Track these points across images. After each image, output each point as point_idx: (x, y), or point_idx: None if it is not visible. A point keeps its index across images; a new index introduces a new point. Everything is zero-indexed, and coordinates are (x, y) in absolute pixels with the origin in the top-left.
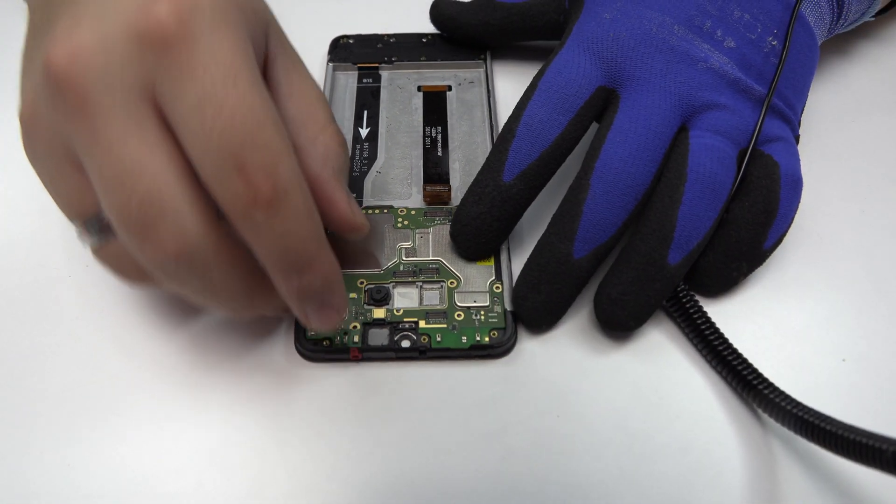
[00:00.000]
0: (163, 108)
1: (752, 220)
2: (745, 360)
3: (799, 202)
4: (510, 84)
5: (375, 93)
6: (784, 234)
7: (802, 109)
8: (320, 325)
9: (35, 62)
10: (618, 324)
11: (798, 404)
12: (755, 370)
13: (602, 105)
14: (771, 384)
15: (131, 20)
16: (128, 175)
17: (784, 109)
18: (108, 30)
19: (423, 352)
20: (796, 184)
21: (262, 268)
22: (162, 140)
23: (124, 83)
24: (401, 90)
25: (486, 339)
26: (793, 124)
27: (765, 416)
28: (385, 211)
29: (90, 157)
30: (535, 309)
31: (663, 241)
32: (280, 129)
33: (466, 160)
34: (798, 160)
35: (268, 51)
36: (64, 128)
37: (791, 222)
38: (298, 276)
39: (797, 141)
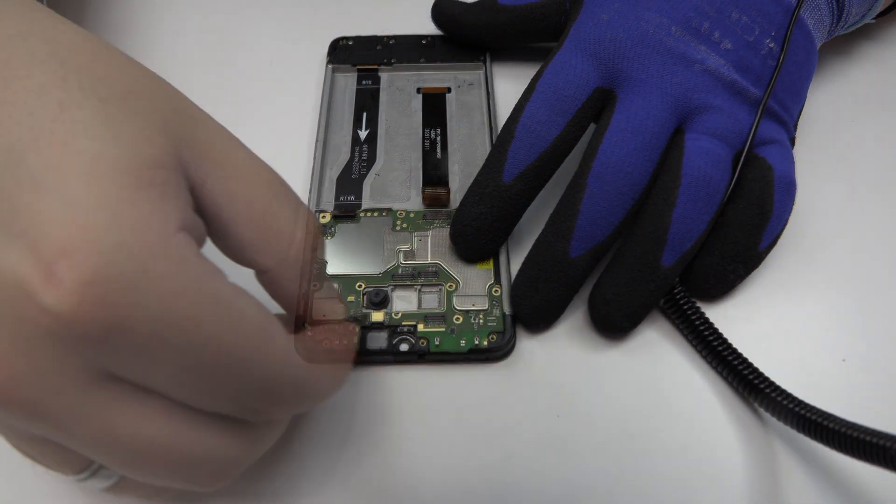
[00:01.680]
0: (126, 376)
1: (746, 223)
2: (744, 360)
3: (793, 204)
4: (510, 86)
5: (375, 94)
6: (779, 236)
7: (799, 112)
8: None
9: None
10: (612, 325)
11: (800, 402)
12: (755, 369)
13: (600, 106)
14: (772, 383)
15: (32, 315)
16: (132, 460)
17: (780, 112)
18: (7, 330)
19: (422, 355)
20: (790, 186)
21: None
22: (137, 398)
23: (71, 381)
24: (400, 92)
25: (485, 342)
26: (788, 127)
27: (765, 415)
28: (384, 213)
29: (76, 448)
30: (533, 308)
31: (657, 242)
32: (268, 336)
33: (466, 162)
34: (792, 163)
35: (192, 177)
36: (20, 427)
37: (785, 224)
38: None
39: (793, 143)
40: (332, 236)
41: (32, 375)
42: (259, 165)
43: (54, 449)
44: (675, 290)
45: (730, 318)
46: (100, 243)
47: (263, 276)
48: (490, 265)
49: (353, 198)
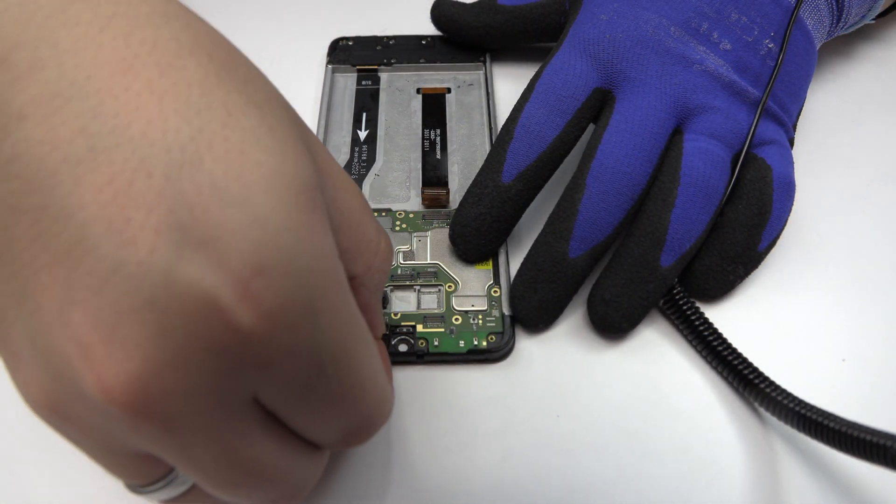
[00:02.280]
0: (264, 401)
1: (745, 223)
2: (744, 359)
3: (792, 205)
4: (510, 86)
5: (374, 95)
6: (778, 237)
7: (799, 112)
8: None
9: (42, 350)
10: (611, 325)
11: (800, 402)
12: (755, 368)
13: (598, 106)
14: (772, 382)
15: (208, 329)
16: (244, 484)
17: (779, 112)
18: (175, 342)
19: (421, 356)
20: (789, 187)
21: None
22: (266, 428)
23: (217, 401)
24: (400, 92)
25: (484, 343)
26: (787, 127)
27: (765, 414)
28: (383, 214)
29: (188, 471)
30: (532, 308)
31: (656, 243)
32: (373, 369)
33: (465, 163)
34: (791, 163)
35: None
36: (132, 440)
37: (784, 224)
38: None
39: (792, 144)
40: None
41: (186, 392)
42: (347, 175)
43: (142, 461)
44: (675, 291)
45: (729, 318)
46: (293, 266)
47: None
48: (489, 266)
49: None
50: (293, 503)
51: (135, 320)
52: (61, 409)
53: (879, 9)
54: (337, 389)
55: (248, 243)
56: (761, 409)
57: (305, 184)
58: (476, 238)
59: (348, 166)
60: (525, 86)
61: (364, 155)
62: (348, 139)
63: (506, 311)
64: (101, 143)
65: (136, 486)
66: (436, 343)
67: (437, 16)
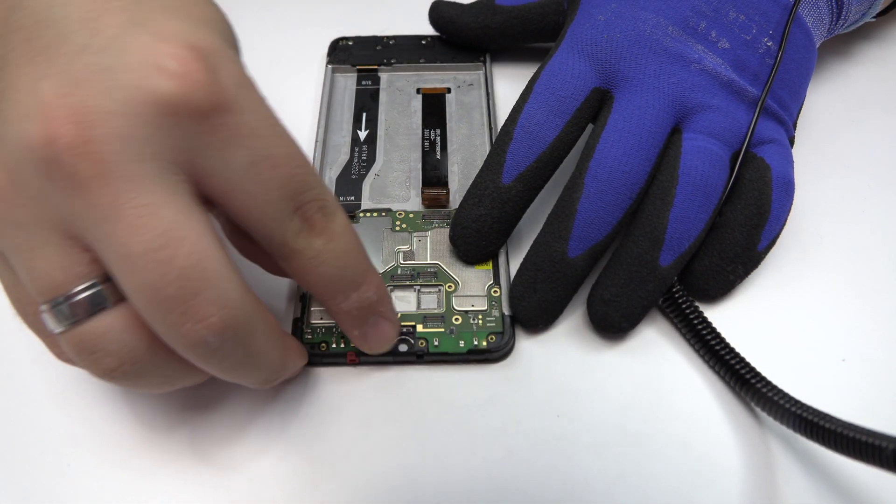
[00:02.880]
0: (203, 175)
1: (744, 223)
2: (742, 360)
3: (791, 204)
4: (510, 86)
5: (374, 95)
6: (777, 236)
7: (798, 111)
8: (378, 341)
9: (10, 124)
10: (611, 325)
11: (797, 402)
12: (753, 369)
13: (597, 106)
14: (770, 382)
15: (153, 85)
16: (163, 247)
17: (778, 111)
18: (124, 94)
19: (421, 356)
20: (788, 186)
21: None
22: (194, 205)
23: (154, 153)
24: (400, 92)
25: (484, 343)
26: (787, 126)
27: (763, 415)
28: (383, 214)
29: (107, 232)
30: (532, 308)
31: (655, 242)
32: (308, 161)
33: (465, 163)
34: (791, 162)
35: None
36: (64, 202)
37: (784, 224)
38: (356, 290)
39: (792, 142)
40: None
41: (126, 138)
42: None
43: (72, 252)
44: (674, 290)
45: (729, 318)
46: (220, 50)
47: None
48: (489, 266)
49: (352, 198)
50: (222, 314)
51: (92, 81)
52: (10, 182)
53: (879, 7)
54: (282, 180)
55: (184, 33)
56: (758, 410)
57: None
58: (476, 239)
59: (348, 166)
60: (525, 86)
61: (364, 155)
62: (348, 139)
63: (506, 311)
64: None
65: (59, 304)
66: (436, 343)
67: (434, 17)
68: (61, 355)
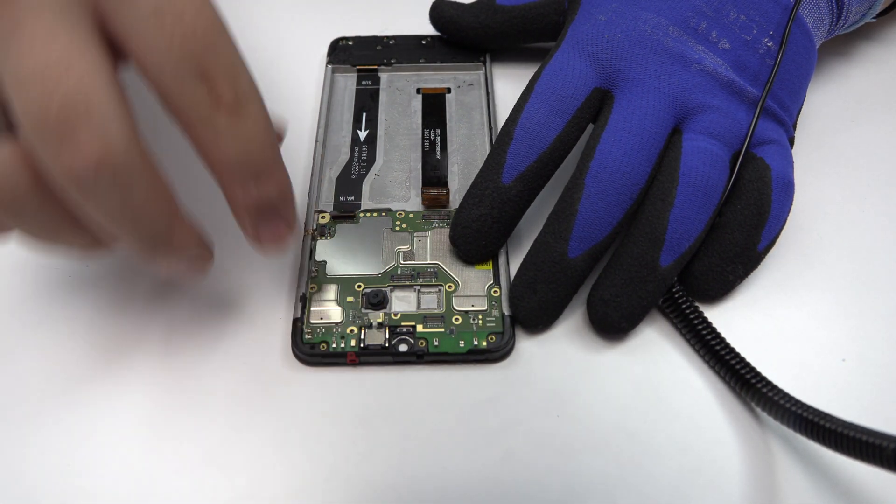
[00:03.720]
0: (108, 18)
1: (744, 223)
2: (743, 360)
3: (791, 204)
4: (510, 86)
5: (374, 95)
6: (777, 236)
7: (798, 111)
8: (272, 240)
9: None
10: (611, 325)
11: (797, 402)
12: (753, 369)
13: (597, 106)
14: (770, 382)
15: None
16: (52, 71)
17: (778, 111)
18: None
19: (421, 356)
20: (788, 186)
21: (176, 196)
22: (94, 43)
23: None
24: (400, 92)
25: (484, 343)
26: (787, 126)
27: (763, 415)
28: (383, 214)
29: (6, 49)
30: (532, 309)
31: (655, 243)
32: (234, 41)
33: (465, 163)
34: (791, 163)
35: None
36: None
37: (783, 224)
38: (256, 184)
39: (791, 143)
40: (332, 237)
41: None
42: None
43: None
44: (674, 290)
45: (729, 318)
46: None
47: None
48: (489, 266)
49: (352, 198)
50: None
51: None
52: None
53: (880, 7)
54: (184, 37)
55: None
56: (758, 410)
57: None
58: (477, 239)
59: (348, 166)
60: (525, 86)
61: (364, 155)
62: (348, 139)
63: (506, 311)
64: None
65: None
66: (436, 343)
67: (435, 17)
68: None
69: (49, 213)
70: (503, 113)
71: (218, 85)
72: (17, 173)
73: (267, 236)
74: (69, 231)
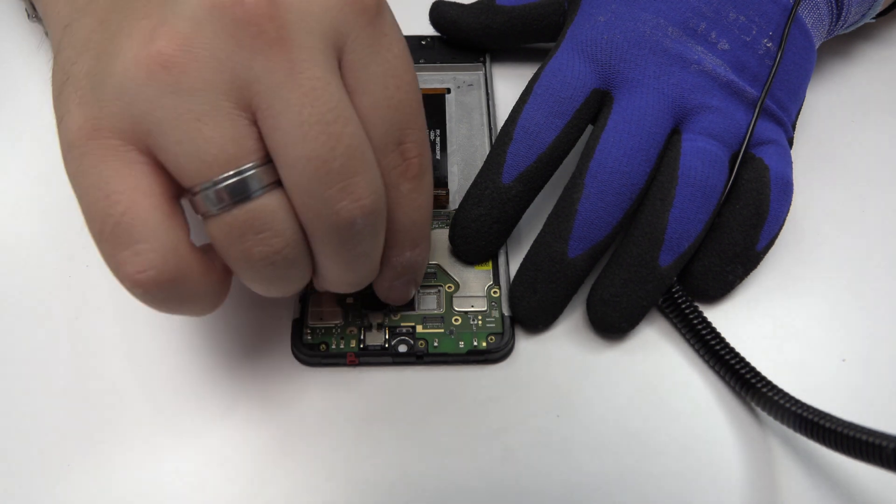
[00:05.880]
0: (345, 67)
1: (743, 223)
2: (742, 360)
3: (790, 204)
4: (510, 87)
5: None
6: (776, 236)
7: (798, 111)
8: (401, 296)
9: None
10: (610, 325)
11: (797, 402)
12: (753, 369)
13: (597, 107)
14: (769, 382)
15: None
16: (334, 120)
17: (777, 112)
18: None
19: (420, 357)
20: (787, 187)
21: None
22: (346, 92)
23: (322, 31)
24: None
25: (484, 343)
26: (786, 126)
27: (763, 415)
28: None
29: (285, 97)
30: (532, 308)
31: (654, 243)
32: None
33: (465, 163)
34: (789, 163)
35: None
36: (246, 62)
37: (782, 224)
38: (412, 249)
39: (791, 143)
40: None
41: (302, 7)
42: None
43: (225, 127)
44: (674, 290)
45: (729, 318)
46: None
47: None
48: (489, 266)
49: None
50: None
51: None
52: (192, 43)
53: (879, 8)
54: (400, 103)
55: None
56: (758, 409)
57: None
58: (476, 239)
59: None
60: (525, 86)
61: None
62: None
63: (505, 311)
64: None
65: (227, 180)
66: (435, 344)
67: (435, 17)
68: (140, 274)
69: (307, 259)
70: (503, 113)
71: (411, 157)
72: (295, 222)
73: (395, 296)
74: (307, 276)
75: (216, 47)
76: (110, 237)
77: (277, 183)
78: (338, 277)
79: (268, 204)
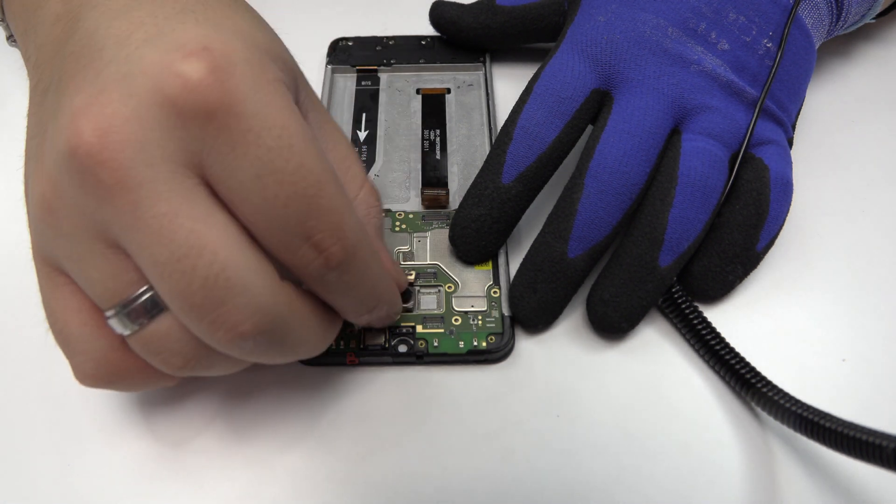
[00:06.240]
0: (212, 181)
1: (743, 223)
2: (742, 360)
3: (790, 204)
4: (509, 87)
5: (374, 95)
6: (776, 236)
7: (798, 112)
8: (378, 324)
9: (53, 138)
10: (610, 325)
11: (797, 402)
12: (753, 369)
13: (597, 107)
14: (769, 382)
15: (163, 86)
16: (184, 255)
17: (777, 112)
18: (137, 99)
19: (420, 356)
20: (786, 187)
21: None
22: (213, 210)
23: (165, 156)
24: (399, 93)
25: (484, 344)
26: (786, 126)
27: (763, 415)
28: (383, 214)
29: (135, 240)
30: (532, 309)
31: (654, 243)
32: (339, 184)
33: (465, 163)
34: (789, 163)
35: (300, 105)
36: (97, 210)
37: (782, 224)
38: (369, 313)
39: (791, 143)
40: None
41: (141, 143)
42: (340, 129)
43: (116, 262)
44: (674, 290)
45: (729, 318)
46: (229, 53)
47: None
48: (489, 266)
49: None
50: (248, 335)
51: (112, 88)
52: (55, 193)
53: (879, 8)
54: (271, 172)
55: (202, 37)
56: (759, 409)
57: (260, 46)
58: (476, 239)
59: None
60: (525, 86)
61: (364, 155)
62: (348, 140)
63: (505, 311)
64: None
65: (119, 311)
66: (435, 344)
67: (435, 17)
68: (82, 379)
69: (224, 360)
70: (503, 113)
71: (325, 244)
72: (189, 339)
73: (375, 324)
74: (248, 361)
75: (75, 195)
76: (59, 346)
77: None
78: (281, 361)
79: (157, 329)
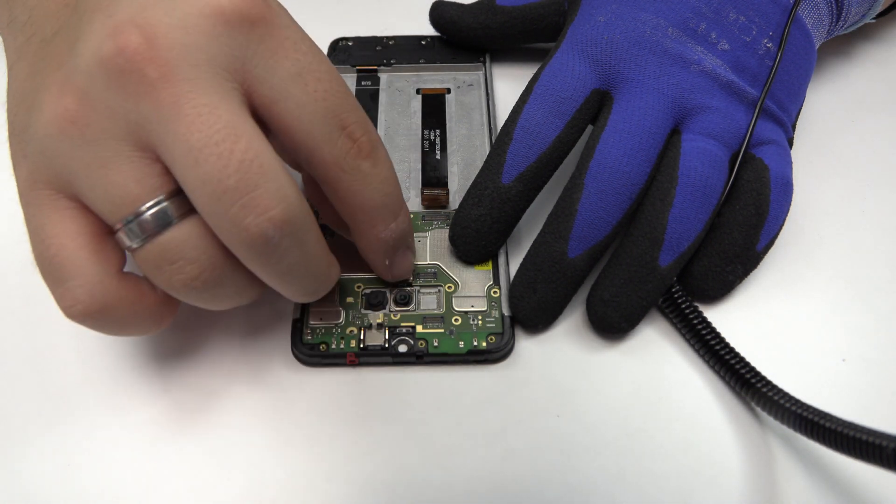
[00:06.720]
0: (255, 83)
1: (743, 223)
2: (742, 359)
3: (790, 204)
4: (510, 87)
5: (374, 95)
6: (776, 236)
7: (798, 112)
8: (402, 269)
9: (82, 54)
10: (610, 325)
11: (797, 402)
12: (753, 369)
13: (597, 107)
14: (770, 382)
15: (210, 2)
16: (223, 139)
17: (777, 112)
18: (183, 11)
19: (420, 357)
20: (786, 187)
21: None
22: (248, 113)
23: (209, 59)
24: (399, 93)
25: (484, 344)
26: (786, 127)
27: (763, 415)
28: None
29: (172, 130)
30: (532, 309)
31: (654, 243)
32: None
33: (465, 163)
34: (789, 163)
35: None
36: (134, 108)
37: (782, 224)
38: (395, 219)
39: (791, 143)
40: (332, 237)
41: (182, 44)
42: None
43: (128, 171)
44: (673, 290)
45: (729, 318)
46: None
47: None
48: (489, 266)
49: None
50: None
51: (155, 4)
52: (84, 99)
53: (879, 8)
54: (325, 94)
55: None
56: (758, 409)
57: None
58: (476, 239)
59: None
60: (525, 86)
61: None
62: None
63: (505, 311)
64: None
65: (138, 217)
66: (435, 344)
67: (435, 17)
68: (71, 308)
69: (237, 277)
70: (503, 113)
71: (358, 136)
72: (211, 246)
73: (399, 270)
74: (250, 290)
75: (109, 98)
76: (47, 277)
77: (193, 211)
78: (283, 291)
79: (178, 234)
